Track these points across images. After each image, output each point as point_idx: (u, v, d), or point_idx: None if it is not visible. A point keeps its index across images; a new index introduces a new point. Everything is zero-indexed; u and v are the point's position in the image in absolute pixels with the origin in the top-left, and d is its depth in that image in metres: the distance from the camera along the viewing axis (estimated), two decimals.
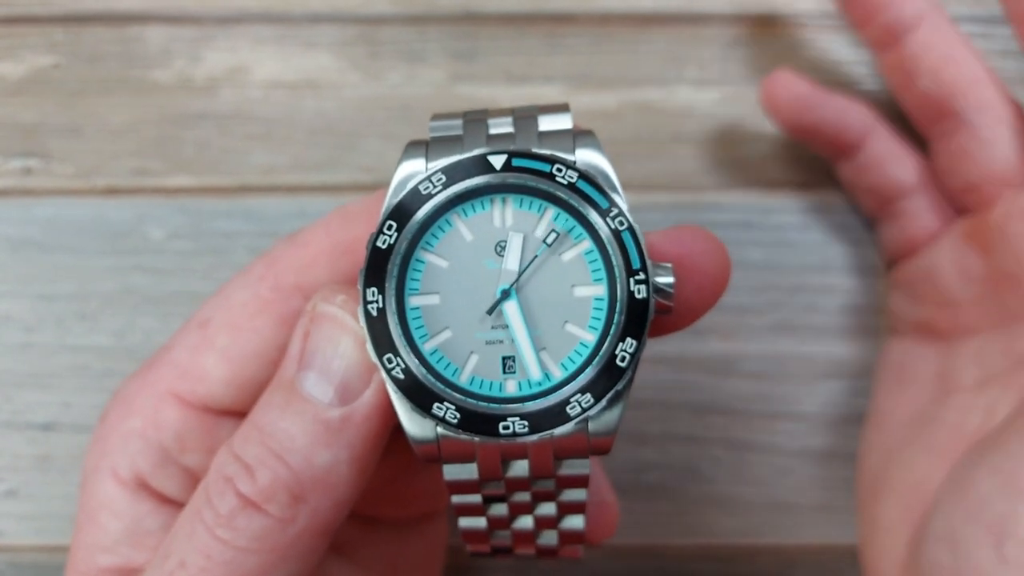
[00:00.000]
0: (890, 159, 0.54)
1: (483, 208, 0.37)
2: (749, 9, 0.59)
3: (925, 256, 0.53)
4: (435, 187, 0.36)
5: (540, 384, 0.36)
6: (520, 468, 0.37)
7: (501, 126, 0.37)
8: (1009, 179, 0.50)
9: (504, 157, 0.36)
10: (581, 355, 0.36)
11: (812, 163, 0.58)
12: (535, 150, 0.36)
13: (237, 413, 0.41)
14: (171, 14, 0.58)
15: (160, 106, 0.58)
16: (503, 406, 0.36)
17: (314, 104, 0.58)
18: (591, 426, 0.36)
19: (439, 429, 0.36)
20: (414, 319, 0.36)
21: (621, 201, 0.36)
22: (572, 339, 0.37)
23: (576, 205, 0.36)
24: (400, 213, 0.36)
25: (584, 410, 0.35)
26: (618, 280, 0.36)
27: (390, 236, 0.36)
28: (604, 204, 0.36)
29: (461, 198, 0.36)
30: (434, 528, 0.50)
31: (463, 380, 0.36)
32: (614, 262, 0.36)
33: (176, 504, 0.41)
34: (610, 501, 0.46)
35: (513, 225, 0.37)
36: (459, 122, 0.38)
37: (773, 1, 0.59)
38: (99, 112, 0.57)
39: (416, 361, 0.36)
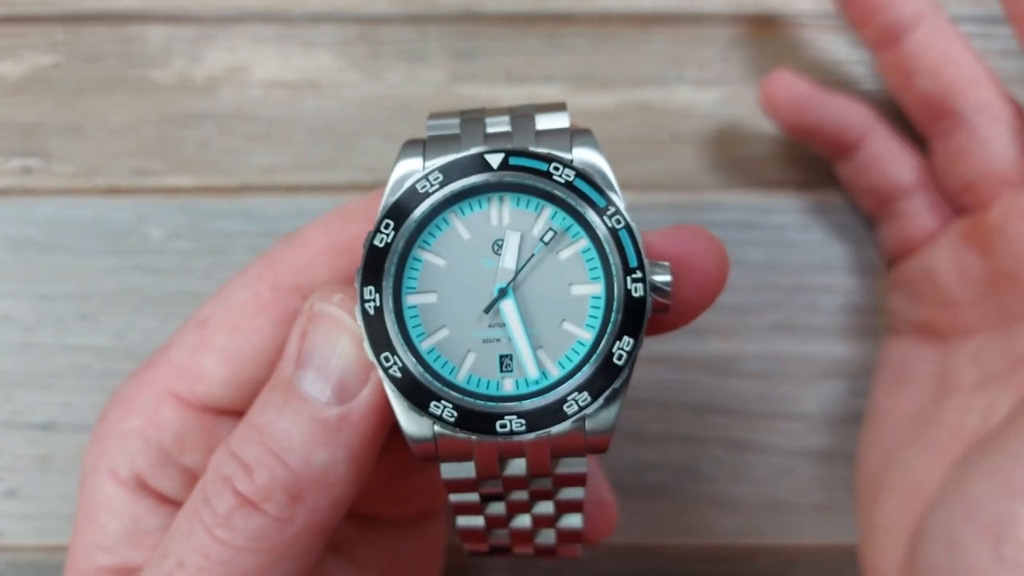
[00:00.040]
0: (889, 159, 0.54)
1: (480, 207, 0.37)
2: (749, 9, 0.59)
3: (924, 256, 0.53)
4: (432, 186, 0.36)
5: (537, 382, 0.36)
6: (517, 466, 0.37)
7: (498, 125, 0.37)
8: (1008, 179, 0.50)
9: (501, 156, 0.36)
10: (578, 353, 0.36)
11: (812, 163, 0.58)
12: (532, 149, 0.36)
13: (236, 413, 0.41)
14: (171, 13, 0.58)
15: (160, 106, 0.58)
16: (500, 404, 0.36)
17: (314, 104, 0.58)
18: (588, 424, 0.36)
19: (436, 428, 0.36)
20: (411, 318, 0.36)
21: (618, 200, 0.36)
22: (569, 337, 0.36)
23: (573, 204, 0.36)
24: (397, 212, 0.36)
25: (581, 408, 0.35)
26: (615, 278, 0.36)
27: (387, 235, 0.36)
28: (601, 203, 0.36)
29: (458, 197, 0.36)
30: (433, 527, 0.50)
31: (460, 379, 0.36)
32: (611, 260, 0.36)
33: (175, 504, 0.41)
34: (609, 500, 0.46)
35: (510, 224, 0.37)
36: (456, 121, 0.38)
37: (773, 1, 0.59)
38: (99, 112, 0.58)
39: (413, 360, 0.36)
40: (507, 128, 0.37)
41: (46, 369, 0.57)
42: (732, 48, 0.59)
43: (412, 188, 0.36)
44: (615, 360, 0.35)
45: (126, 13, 0.58)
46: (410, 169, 0.37)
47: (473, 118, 0.38)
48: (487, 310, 0.36)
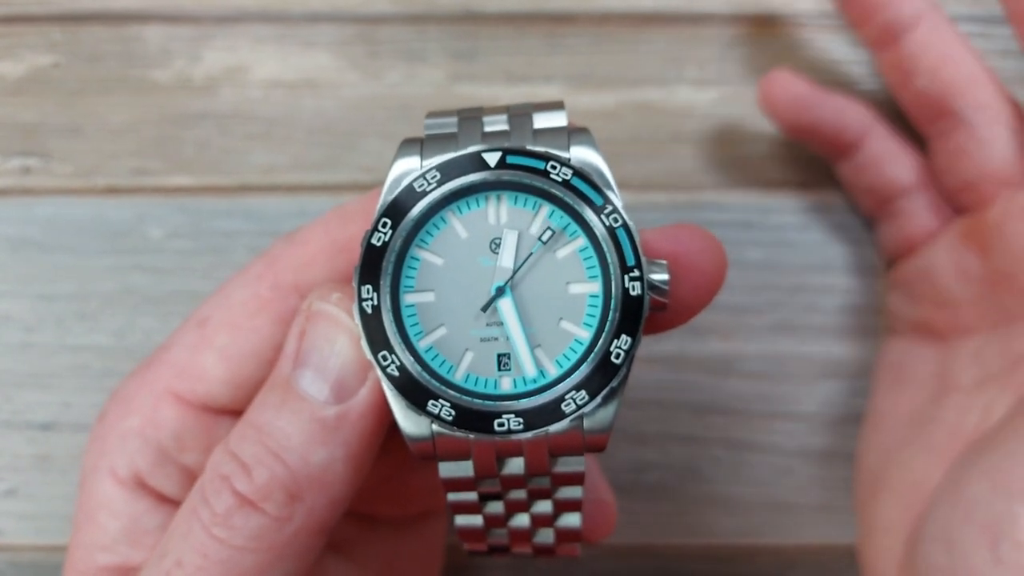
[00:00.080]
0: (888, 158, 0.54)
1: (478, 205, 0.37)
2: (748, 9, 0.59)
3: (923, 256, 0.53)
4: (430, 184, 0.36)
5: (535, 381, 0.36)
6: (515, 465, 0.37)
7: (496, 123, 0.37)
8: (1007, 178, 0.50)
9: (499, 154, 0.36)
10: (576, 352, 0.36)
11: (811, 163, 0.58)
12: (530, 147, 0.36)
13: (235, 412, 0.41)
14: (170, 13, 0.58)
15: (160, 106, 0.58)
16: (498, 403, 0.36)
17: (313, 104, 0.58)
18: (586, 423, 0.36)
19: (434, 427, 0.36)
20: (409, 316, 0.36)
21: (616, 198, 0.36)
22: (567, 336, 0.36)
23: (571, 202, 0.36)
24: (395, 210, 0.36)
25: (579, 407, 0.35)
26: (613, 277, 0.36)
27: (385, 233, 0.36)
28: (599, 201, 0.36)
29: (456, 195, 0.36)
30: (432, 527, 0.50)
31: (458, 377, 0.36)
32: (609, 259, 0.36)
33: (174, 503, 0.41)
34: (608, 500, 0.46)
35: (508, 222, 0.37)
36: (454, 120, 0.38)
37: (772, 1, 0.59)
38: (99, 112, 0.58)
39: (411, 358, 0.36)
40: (505, 127, 0.37)
41: (46, 369, 0.57)
42: (731, 48, 0.59)
43: (410, 187, 0.36)
44: (613, 359, 0.35)
45: (125, 13, 0.58)
46: (408, 168, 0.37)
47: (471, 117, 0.38)
48: (485, 309, 0.36)
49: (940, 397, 0.51)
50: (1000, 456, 0.42)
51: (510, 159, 0.36)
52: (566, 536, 0.41)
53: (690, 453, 0.57)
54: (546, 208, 0.37)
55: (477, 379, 0.36)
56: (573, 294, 0.37)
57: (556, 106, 0.38)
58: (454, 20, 0.58)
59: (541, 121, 0.37)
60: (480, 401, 0.36)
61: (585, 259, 0.37)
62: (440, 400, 0.35)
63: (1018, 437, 0.42)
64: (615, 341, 0.35)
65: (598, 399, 0.35)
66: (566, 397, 0.35)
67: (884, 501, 0.50)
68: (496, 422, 0.35)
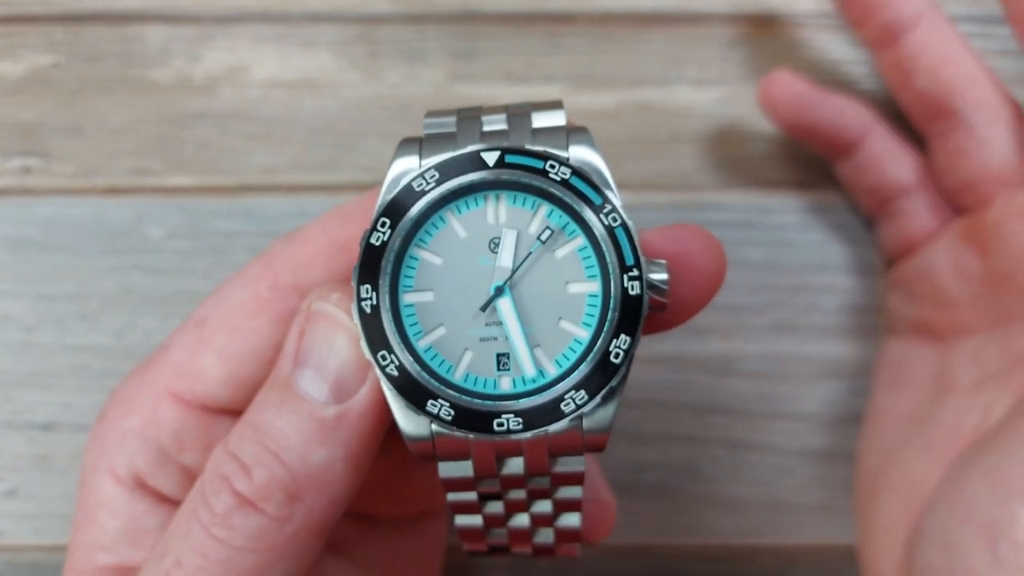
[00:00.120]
0: (888, 158, 0.54)
1: (477, 205, 0.37)
2: (748, 9, 0.59)
3: (923, 256, 0.53)
4: (428, 184, 0.36)
5: (534, 381, 0.36)
6: (515, 465, 0.37)
7: (495, 123, 0.37)
8: (1006, 178, 0.50)
9: (497, 154, 0.36)
10: (575, 352, 0.36)
11: (811, 163, 0.58)
12: (528, 147, 0.36)
13: (235, 412, 0.41)
14: (170, 13, 0.58)
15: (160, 106, 0.58)
16: (497, 403, 0.36)
17: (314, 104, 0.58)
18: (586, 423, 0.36)
19: (434, 426, 0.35)
20: (408, 316, 0.36)
21: (615, 198, 0.36)
22: (566, 336, 0.36)
23: (570, 202, 0.36)
24: (394, 210, 0.36)
25: (578, 407, 0.35)
26: (612, 277, 0.36)
27: (384, 233, 0.36)
28: (598, 200, 0.36)
29: (455, 195, 0.36)
30: (432, 527, 0.50)
31: (457, 377, 0.36)
32: (608, 259, 0.36)
33: (174, 503, 0.41)
34: (607, 500, 0.46)
35: (507, 222, 0.37)
36: (453, 119, 0.38)
37: (772, 1, 0.59)
38: (99, 112, 0.58)
39: (410, 358, 0.36)
40: (503, 126, 0.37)
41: (46, 369, 0.57)
42: (731, 48, 0.59)
43: (408, 186, 0.36)
44: (612, 358, 0.35)
45: (126, 13, 0.58)
46: (406, 167, 0.37)
47: (469, 116, 0.38)
48: (484, 308, 0.36)
49: (939, 397, 0.51)
50: (999, 456, 0.42)
51: (509, 158, 0.36)
52: (566, 536, 0.41)
53: (690, 453, 0.57)
54: (545, 207, 0.37)
55: (476, 379, 0.36)
56: (572, 294, 0.37)
57: (555, 105, 0.38)
58: (454, 20, 0.58)
59: (540, 120, 0.37)
60: (479, 401, 0.35)
61: (584, 258, 0.37)
62: (439, 400, 0.35)
63: (1017, 437, 0.42)
64: (614, 341, 0.35)
65: (597, 399, 0.35)
66: (565, 397, 0.35)
67: (884, 501, 0.50)
68: (495, 422, 0.35)
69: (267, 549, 0.36)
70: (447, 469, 0.37)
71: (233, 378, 0.41)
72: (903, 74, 0.52)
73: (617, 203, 0.36)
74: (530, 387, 0.36)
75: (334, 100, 0.58)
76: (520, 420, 0.35)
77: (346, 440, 0.36)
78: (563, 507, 0.40)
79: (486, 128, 0.37)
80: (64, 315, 0.57)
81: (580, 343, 0.36)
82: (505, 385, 0.36)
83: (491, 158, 0.36)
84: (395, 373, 0.35)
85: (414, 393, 0.35)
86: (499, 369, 0.36)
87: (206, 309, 0.42)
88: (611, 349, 0.35)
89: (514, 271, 0.36)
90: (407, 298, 0.37)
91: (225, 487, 0.36)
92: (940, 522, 0.43)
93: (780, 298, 0.57)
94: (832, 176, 0.57)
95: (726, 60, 0.58)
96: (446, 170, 0.36)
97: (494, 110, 0.38)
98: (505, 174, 0.36)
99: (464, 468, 0.37)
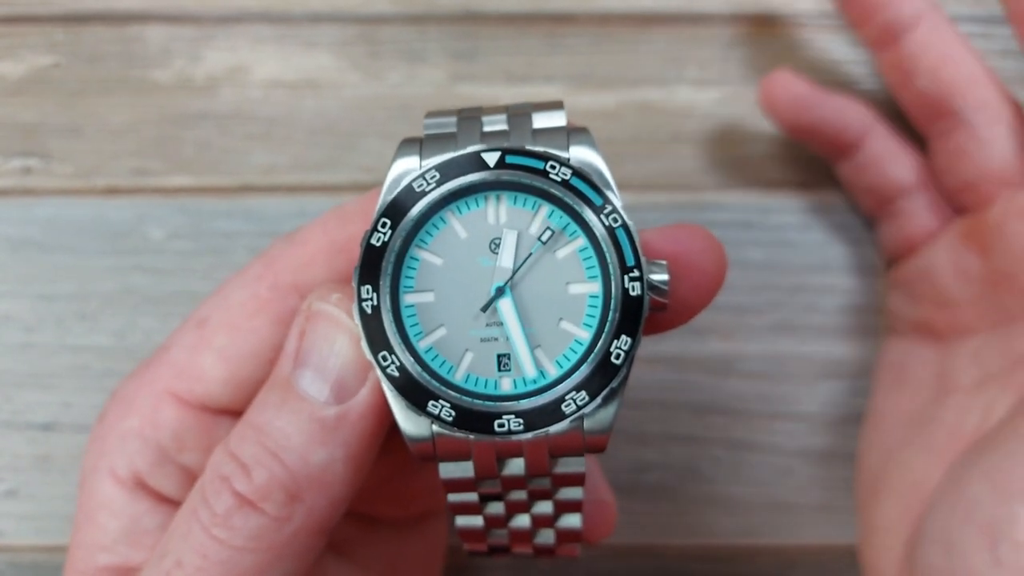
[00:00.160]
0: (889, 158, 0.54)
1: (477, 205, 0.37)
2: (749, 9, 0.59)
3: (923, 256, 0.53)
4: (429, 184, 0.36)
5: (535, 382, 0.36)
6: (516, 466, 0.37)
7: (495, 123, 0.37)
8: (1007, 178, 0.50)
9: (498, 154, 0.36)
10: (576, 352, 0.36)
11: (812, 163, 0.58)
12: (529, 147, 0.36)
13: (235, 412, 0.41)
14: (171, 13, 0.58)
15: (160, 106, 0.58)
16: (498, 404, 0.35)
17: (314, 104, 0.58)
18: (586, 424, 0.36)
19: (434, 427, 0.35)
20: (409, 317, 0.36)
21: (615, 198, 0.36)
22: (567, 336, 0.36)
23: (570, 202, 0.36)
24: (394, 210, 0.36)
25: (579, 408, 0.35)
26: (613, 277, 0.36)
27: (384, 234, 0.36)
28: (598, 201, 0.36)
29: (455, 195, 0.36)
30: (433, 527, 0.50)
31: (458, 378, 0.36)
32: (608, 259, 0.36)
33: (174, 503, 0.41)
34: (608, 500, 0.46)
35: (507, 222, 0.37)
36: (453, 119, 0.38)
37: (772, 1, 0.59)
38: (99, 112, 0.58)
39: (411, 359, 0.36)
40: (504, 127, 0.37)
41: (46, 369, 0.57)
42: (732, 48, 0.58)
43: (409, 187, 0.36)
44: (613, 359, 0.35)
45: (126, 13, 0.58)
46: (407, 168, 0.37)
47: (470, 116, 0.38)
48: (484, 309, 0.36)
49: (940, 397, 0.51)
50: (1000, 456, 0.42)
51: (509, 159, 0.36)
52: (566, 537, 0.41)
53: (690, 453, 0.57)
54: (545, 208, 0.37)
55: (477, 379, 0.36)
56: (573, 294, 0.37)
57: (555, 106, 0.38)
58: (454, 20, 0.58)
59: (540, 121, 0.37)
60: (480, 402, 0.35)
61: (585, 259, 0.37)
62: (440, 401, 0.35)
63: (1018, 437, 0.42)
64: (615, 341, 0.35)
65: (598, 400, 0.35)
66: (566, 398, 0.35)
67: (884, 501, 0.50)
68: (496, 423, 0.35)
69: (267, 549, 0.36)
70: (448, 470, 0.37)
71: (233, 378, 0.41)
72: (904, 74, 0.52)
73: (618, 204, 0.36)
74: (531, 388, 0.36)
75: (335, 100, 0.58)
76: (521, 421, 0.35)
77: (346, 440, 0.36)
78: (564, 508, 0.40)
79: (487, 129, 0.37)
80: (64, 315, 0.57)
81: (581, 344, 0.36)
82: (506, 386, 0.36)
83: (492, 159, 0.36)
84: (396, 374, 0.35)
85: (415, 394, 0.35)
86: (500, 370, 0.36)
87: (206, 309, 0.42)
88: (612, 350, 0.35)
89: (515, 272, 0.36)
90: (408, 299, 0.37)
91: (225, 487, 0.36)
92: (941, 522, 0.43)
93: (780, 298, 0.57)
94: (833, 176, 0.57)
95: (727, 60, 0.58)
96: (447, 171, 0.36)
97: (495, 110, 0.38)
98: (506, 175, 0.36)
99: (465, 469, 0.37)
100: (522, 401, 0.35)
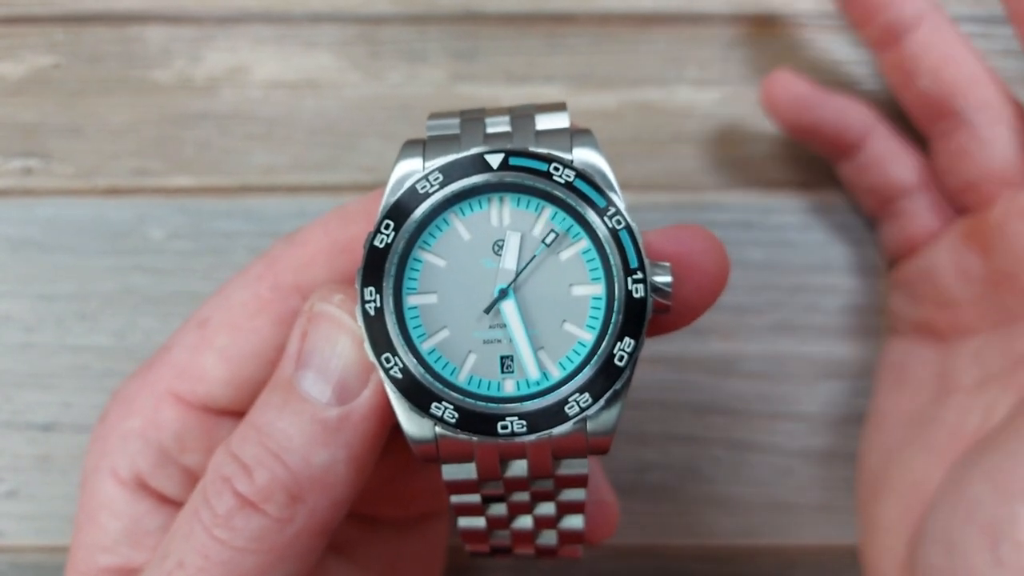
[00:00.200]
0: (890, 159, 0.54)
1: (480, 207, 0.37)
2: (749, 9, 0.59)
3: (925, 256, 0.53)
4: (432, 186, 0.36)
5: (538, 383, 0.36)
6: (519, 468, 0.37)
7: (498, 125, 0.37)
8: (1008, 178, 0.50)
9: (501, 156, 0.36)
10: (579, 354, 0.36)
11: (812, 163, 0.58)
12: (532, 149, 0.36)
13: (236, 413, 0.41)
14: (171, 14, 0.58)
15: (160, 106, 0.58)
16: (501, 406, 0.35)
17: (314, 104, 0.58)
18: (589, 426, 0.36)
19: (437, 429, 0.35)
20: (412, 318, 0.36)
21: (619, 200, 0.36)
22: (570, 338, 0.36)
23: (574, 204, 0.36)
24: (397, 212, 0.36)
25: (582, 410, 0.35)
26: (616, 279, 0.36)
27: (387, 235, 0.36)
28: (601, 203, 0.36)
29: (458, 197, 0.36)
30: (434, 528, 0.50)
31: (461, 379, 0.36)
32: (612, 261, 0.36)
33: (175, 504, 0.41)
34: (610, 501, 0.46)
35: (511, 224, 0.37)
36: (456, 121, 0.38)
37: (773, 1, 0.59)
38: (99, 112, 0.57)
39: (414, 360, 0.35)
40: (507, 128, 0.37)
41: (46, 369, 0.57)
42: (732, 48, 0.58)
43: (412, 188, 0.36)
44: (616, 361, 0.35)
45: (126, 13, 0.58)
46: (410, 169, 0.36)
47: (473, 118, 0.38)
48: (488, 311, 0.36)
49: (941, 397, 0.51)
50: (1001, 457, 0.42)
51: (513, 161, 0.36)
52: (569, 538, 0.41)
53: (691, 453, 0.57)
54: (549, 210, 0.37)
55: (480, 381, 0.36)
56: (576, 296, 0.37)
57: (558, 107, 0.38)
58: (455, 20, 0.58)
59: (543, 123, 0.37)
60: (483, 403, 0.35)
61: (588, 261, 0.36)
62: (443, 402, 0.35)
63: (1019, 437, 0.42)
64: (618, 343, 0.35)
65: (601, 402, 0.35)
66: (569, 400, 0.35)
67: (885, 501, 0.50)
68: (499, 424, 0.35)
69: (269, 550, 0.36)
70: (451, 471, 0.37)
71: (235, 379, 0.41)
72: (905, 74, 0.52)
73: (621, 205, 0.36)
74: (534, 390, 0.36)
75: (335, 100, 0.58)
76: (524, 423, 0.35)
77: (348, 442, 0.36)
78: (566, 509, 0.40)
79: (490, 130, 0.37)
80: (64, 315, 0.57)
81: (584, 346, 0.36)
82: (509, 388, 0.36)
83: (495, 160, 0.36)
84: (399, 375, 0.35)
85: (418, 395, 0.35)
86: (503, 371, 0.36)
87: (208, 310, 0.42)
88: (615, 352, 0.35)
89: (518, 273, 0.36)
90: (411, 300, 0.36)
91: (227, 488, 0.36)
92: (942, 522, 0.43)
93: (781, 298, 0.57)
94: (834, 176, 0.57)
95: (727, 60, 0.58)
96: (450, 172, 0.36)
97: (498, 112, 0.38)
98: (509, 176, 0.36)
99: (468, 470, 0.37)
100: (525, 403, 0.35)
